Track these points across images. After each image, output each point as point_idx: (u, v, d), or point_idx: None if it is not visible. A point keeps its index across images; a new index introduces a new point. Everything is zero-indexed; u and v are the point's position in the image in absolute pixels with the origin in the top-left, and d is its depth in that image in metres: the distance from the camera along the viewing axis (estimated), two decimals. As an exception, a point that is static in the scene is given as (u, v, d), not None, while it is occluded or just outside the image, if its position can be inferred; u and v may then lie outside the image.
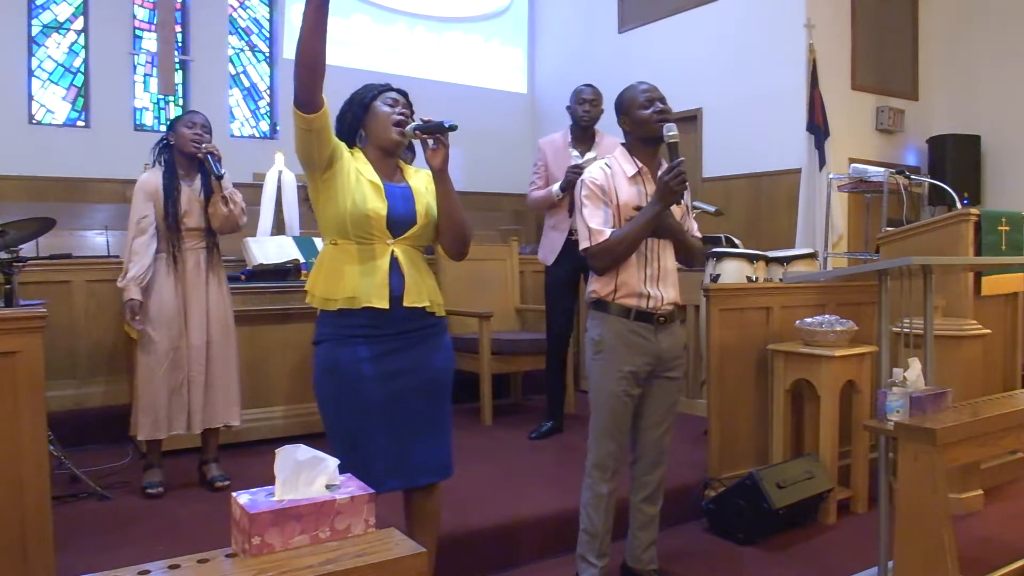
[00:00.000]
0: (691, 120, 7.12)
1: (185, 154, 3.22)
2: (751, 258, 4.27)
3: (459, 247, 2.22)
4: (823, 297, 3.76)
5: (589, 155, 4.02)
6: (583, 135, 4.08)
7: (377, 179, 2.10)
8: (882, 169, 4.96)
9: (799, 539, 3.15)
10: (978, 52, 6.77)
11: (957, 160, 6.59)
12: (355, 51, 7.88)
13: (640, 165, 2.46)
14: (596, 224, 2.40)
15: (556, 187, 3.98)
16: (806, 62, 6.09)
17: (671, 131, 2.36)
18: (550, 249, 4.13)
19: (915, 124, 6.92)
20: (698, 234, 2.63)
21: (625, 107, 2.48)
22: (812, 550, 3.06)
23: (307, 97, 1.98)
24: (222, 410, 3.29)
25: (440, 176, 2.13)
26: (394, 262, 2.08)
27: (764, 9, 6.52)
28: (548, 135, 4.25)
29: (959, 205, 4.33)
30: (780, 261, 4.37)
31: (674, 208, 2.45)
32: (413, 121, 2.15)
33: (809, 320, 3.42)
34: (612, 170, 2.46)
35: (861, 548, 2.97)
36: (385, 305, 2.06)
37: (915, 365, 2.38)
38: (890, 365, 2.50)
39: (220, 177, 3.17)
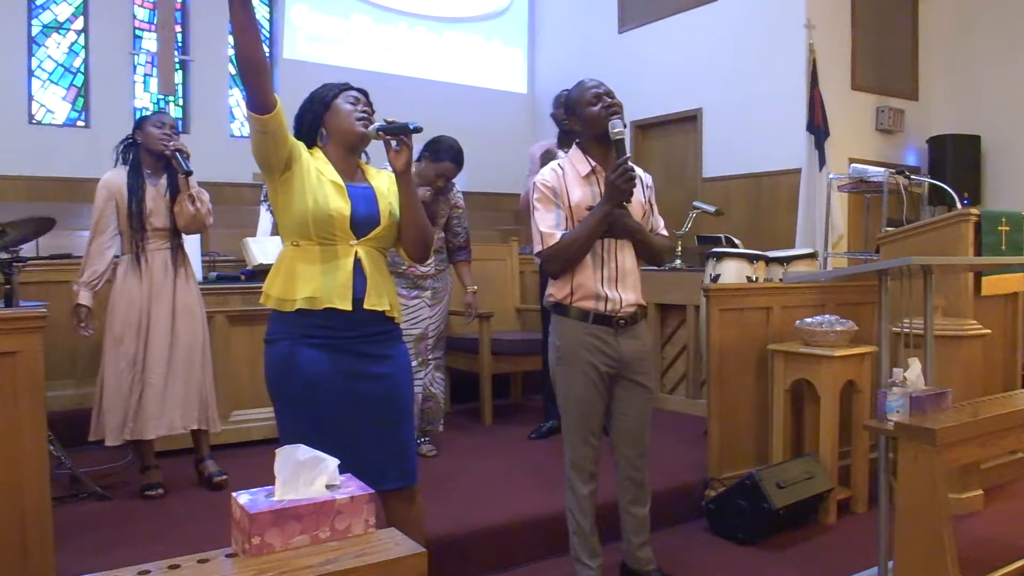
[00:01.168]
0: (691, 120, 7.12)
1: (152, 153, 3.19)
2: (751, 258, 4.26)
3: (421, 250, 2.18)
4: (823, 297, 3.76)
5: None
6: (569, 139, 4.10)
7: (339, 179, 2.06)
8: (882, 169, 4.96)
9: (799, 539, 3.15)
10: (978, 52, 6.77)
11: (957, 160, 6.59)
12: (355, 51, 7.87)
13: (593, 164, 2.42)
14: (547, 227, 2.37)
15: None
16: (806, 62, 6.09)
17: (616, 127, 2.33)
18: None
19: (915, 124, 6.92)
20: (664, 231, 2.59)
21: (572, 106, 2.46)
22: (812, 550, 3.06)
23: (258, 99, 1.94)
24: (187, 414, 3.21)
25: (403, 178, 2.10)
26: (357, 263, 2.05)
27: (764, 9, 6.51)
28: (538, 142, 4.26)
29: (959, 205, 4.33)
30: (780, 261, 4.37)
31: (634, 207, 2.42)
32: (374, 120, 2.12)
33: (809, 320, 3.42)
34: (564, 171, 2.42)
35: (861, 548, 2.97)
36: (348, 306, 2.01)
37: (915, 365, 2.38)
38: (890, 365, 2.50)
39: (188, 173, 3.13)
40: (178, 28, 7.15)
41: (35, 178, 6.39)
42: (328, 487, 1.34)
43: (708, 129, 7.01)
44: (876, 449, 2.72)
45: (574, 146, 2.50)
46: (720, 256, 4.24)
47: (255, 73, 1.94)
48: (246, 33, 1.93)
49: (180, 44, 7.21)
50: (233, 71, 7.59)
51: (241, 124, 7.70)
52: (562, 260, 2.37)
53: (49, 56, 6.78)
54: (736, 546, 3.07)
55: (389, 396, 2.11)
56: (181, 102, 7.32)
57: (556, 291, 2.44)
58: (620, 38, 7.79)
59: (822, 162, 5.87)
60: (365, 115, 2.11)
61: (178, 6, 7.11)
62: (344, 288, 2.02)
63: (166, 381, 3.18)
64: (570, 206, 2.38)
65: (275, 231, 4.80)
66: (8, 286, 3.04)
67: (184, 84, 7.33)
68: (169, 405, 3.19)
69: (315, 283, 2.01)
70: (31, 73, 6.68)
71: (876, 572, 2.60)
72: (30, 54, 6.66)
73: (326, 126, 2.13)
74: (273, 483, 1.32)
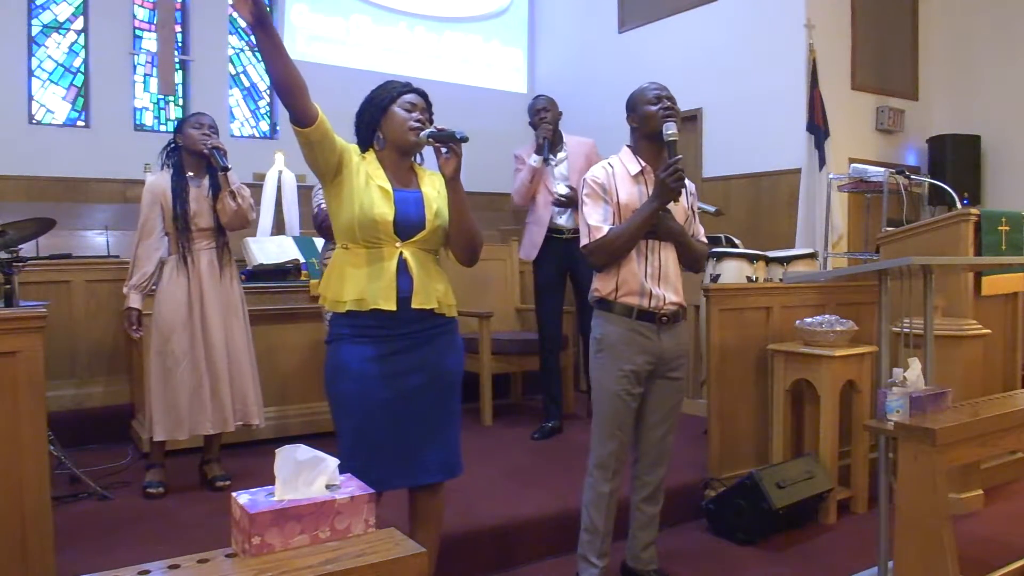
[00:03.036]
0: (691, 120, 7.11)
1: (193, 154, 3.23)
2: (751, 258, 4.27)
3: (469, 254, 2.23)
4: (823, 297, 3.76)
5: (561, 155, 4.15)
6: (552, 141, 4.14)
7: (387, 184, 2.12)
8: (882, 169, 4.96)
9: (799, 539, 3.15)
10: (978, 52, 6.77)
11: (957, 160, 6.58)
12: (355, 51, 7.87)
13: (644, 164, 2.47)
14: (595, 221, 2.41)
15: (532, 158, 4.05)
16: (806, 62, 6.08)
17: (670, 130, 2.38)
18: (530, 243, 4.19)
19: (915, 124, 6.91)
20: (704, 239, 2.63)
21: (633, 103, 2.51)
22: (812, 550, 3.06)
23: (296, 115, 2.01)
24: (242, 409, 3.30)
25: (452, 184, 2.14)
26: (402, 264, 2.10)
27: (764, 9, 6.51)
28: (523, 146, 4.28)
29: (959, 205, 4.33)
30: (780, 261, 4.37)
31: (677, 211, 2.46)
32: (430, 125, 2.16)
33: (809, 320, 3.42)
34: (614, 169, 2.47)
35: (861, 548, 2.97)
36: (392, 307, 2.07)
37: (915, 365, 2.38)
38: (890, 365, 2.50)
39: (226, 169, 3.17)
40: (178, 28, 7.14)
41: (35, 178, 6.39)
42: (328, 487, 1.34)
43: (708, 129, 7.01)
44: (876, 449, 2.71)
45: (624, 147, 2.55)
46: (720, 256, 4.25)
47: (290, 94, 1.99)
48: (271, 57, 1.96)
49: (180, 44, 7.21)
50: (233, 71, 7.60)
51: (241, 124, 7.70)
52: (607, 253, 2.41)
53: (49, 56, 6.78)
54: (736, 546, 3.07)
55: (437, 391, 2.18)
56: (181, 102, 7.31)
57: (602, 287, 2.48)
58: (620, 38, 7.79)
59: (822, 162, 5.87)
60: (419, 122, 2.16)
61: (178, 6, 7.11)
62: (388, 289, 2.08)
63: (226, 377, 3.25)
64: (618, 203, 2.42)
65: (275, 231, 4.81)
66: (8, 286, 3.05)
67: (184, 84, 7.32)
68: (236, 400, 3.27)
69: (361, 285, 2.09)
70: (31, 73, 6.68)
71: (876, 572, 2.60)
72: (30, 54, 6.66)
73: (382, 131, 2.18)
74: (273, 483, 1.32)
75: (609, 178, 2.45)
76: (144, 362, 3.31)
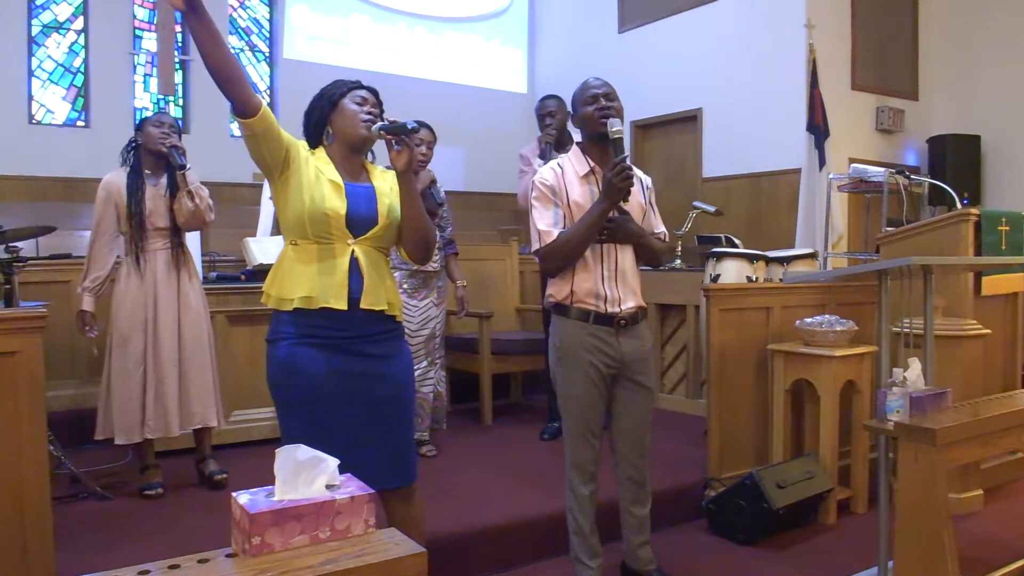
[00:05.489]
0: (691, 120, 7.12)
1: (152, 153, 3.21)
2: (751, 258, 4.26)
3: (421, 251, 2.18)
4: (823, 297, 3.76)
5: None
6: (559, 141, 4.11)
7: (338, 178, 2.07)
8: (882, 169, 4.96)
9: (799, 539, 3.15)
10: (978, 52, 6.77)
11: (957, 160, 6.59)
12: (355, 51, 7.87)
13: (592, 164, 2.43)
14: (544, 225, 2.37)
15: (535, 162, 4.03)
16: (806, 62, 6.09)
17: (615, 126, 2.34)
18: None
19: (915, 124, 6.91)
20: (662, 230, 2.58)
21: (574, 104, 2.48)
22: (812, 550, 3.06)
23: (238, 105, 1.95)
24: (199, 411, 3.25)
25: (404, 178, 2.09)
26: (354, 262, 2.04)
27: (764, 9, 6.51)
28: (528, 144, 4.27)
29: (959, 205, 4.33)
30: (780, 261, 4.37)
31: (633, 207, 2.42)
32: (382, 120, 2.12)
33: (809, 320, 3.42)
34: (563, 170, 2.44)
35: (861, 548, 2.97)
36: (343, 306, 2.01)
37: (915, 365, 2.38)
38: (890, 365, 2.50)
39: (183, 167, 3.15)
40: (178, 28, 7.12)
41: (35, 178, 6.39)
42: (328, 487, 1.34)
43: (708, 129, 7.01)
44: (876, 449, 2.72)
45: (574, 146, 2.52)
46: (720, 256, 4.24)
47: (228, 82, 1.93)
48: (207, 45, 1.89)
49: (180, 44, 7.21)
50: (233, 71, 7.59)
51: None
52: (559, 258, 2.38)
53: (49, 56, 6.78)
54: (736, 546, 3.06)
55: (389, 395, 2.11)
56: (181, 102, 7.31)
57: (556, 291, 2.44)
58: (620, 38, 7.79)
59: (822, 162, 5.87)
60: (371, 116, 2.11)
61: (178, 6, 7.10)
62: (340, 287, 2.02)
63: (180, 379, 3.22)
64: (569, 204, 2.39)
65: (275, 231, 4.81)
66: (8, 286, 3.05)
67: (184, 84, 7.32)
68: (186, 402, 3.23)
69: (311, 282, 2.02)
70: (31, 73, 6.68)
71: (876, 572, 2.60)
72: (30, 54, 6.66)
73: (332, 125, 2.13)
74: (273, 483, 1.32)
75: (558, 179, 2.41)
76: (104, 363, 3.27)
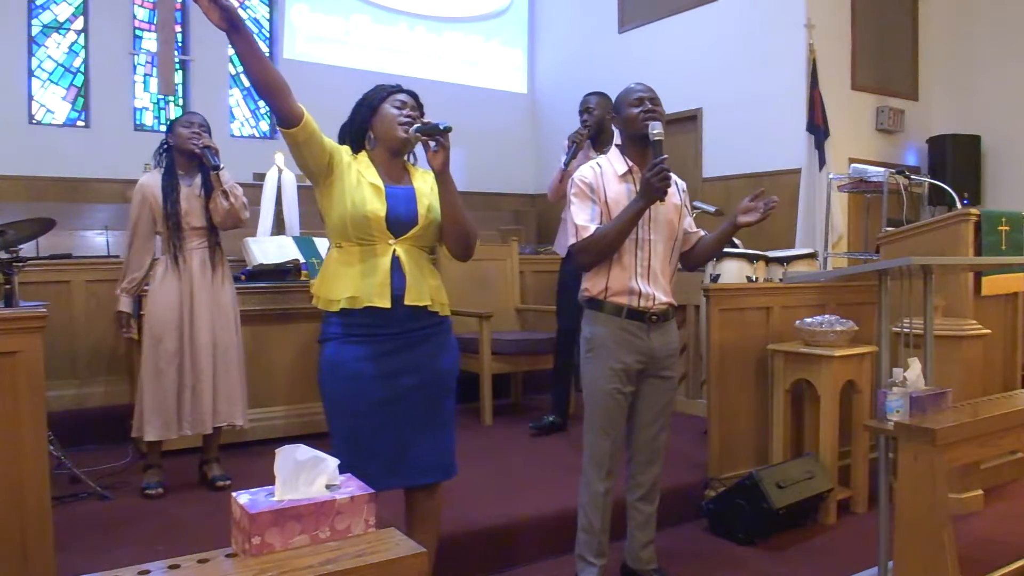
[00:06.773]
0: (691, 120, 7.12)
1: (184, 153, 3.23)
2: (751, 258, 4.27)
3: (463, 249, 2.22)
4: (823, 297, 3.76)
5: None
6: (599, 139, 4.08)
7: (379, 181, 2.12)
8: (882, 169, 4.96)
9: (799, 539, 3.15)
10: (978, 52, 6.77)
11: (957, 160, 6.59)
12: (355, 51, 7.87)
13: (631, 164, 2.48)
14: (582, 220, 2.42)
15: (561, 159, 4.02)
16: (806, 62, 6.08)
17: (655, 129, 2.38)
18: (565, 240, 4.14)
19: (915, 124, 6.91)
20: (697, 231, 2.65)
21: (618, 105, 2.54)
22: (812, 550, 3.06)
23: (282, 115, 2.01)
24: (227, 410, 3.29)
25: (441, 178, 2.13)
26: (395, 261, 2.10)
27: (764, 9, 6.51)
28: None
29: (959, 205, 4.33)
30: (780, 261, 4.37)
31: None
32: (421, 123, 2.16)
33: (809, 320, 3.42)
34: (602, 169, 2.49)
35: (861, 548, 2.97)
36: (386, 304, 2.07)
37: (915, 365, 2.38)
38: (890, 365, 2.50)
39: (217, 168, 3.17)
40: (178, 28, 7.14)
41: (35, 178, 6.39)
42: (328, 487, 1.34)
43: (708, 129, 7.01)
44: (876, 449, 2.71)
45: (613, 147, 2.57)
46: (720, 256, 4.24)
47: (271, 94, 1.99)
48: (248, 59, 1.96)
49: (180, 44, 7.21)
50: (233, 71, 7.60)
51: (241, 124, 7.70)
52: (594, 253, 2.42)
53: (49, 56, 6.78)
54: (736, 546, 3.07)
55: (431, 391, 2.17)
56: (181, 102, 7.31)
57: (591, 286, 2.49)
58: (620, 38, 7.79)
59: (822, 162, 5.87)
60: (409, 119, 2.15)
61: (178, 6, 7.10)
62: (382, 286, 2.07)
63: (215, 377, 3.25)
64: (606, 202, 2.44)
65: (275, 231, 4.81)
66: (8, 286, 3.05)
67: (184, 84, 7.32)
68: (220, 400, 3.27)
69: (356, 283, 2.08)
70: (31, 73, 6.68)
71: (876, 572, 2.60)
72: (30, 54, 6.66)
73: (373, 130, 2.18)
74: (273, 483, 1.32)
75: (597, 178, 2.46)
76: (138, 361, 3.32)
